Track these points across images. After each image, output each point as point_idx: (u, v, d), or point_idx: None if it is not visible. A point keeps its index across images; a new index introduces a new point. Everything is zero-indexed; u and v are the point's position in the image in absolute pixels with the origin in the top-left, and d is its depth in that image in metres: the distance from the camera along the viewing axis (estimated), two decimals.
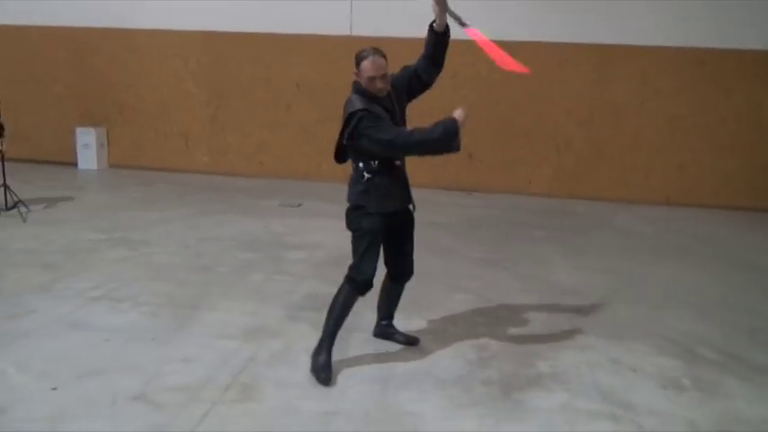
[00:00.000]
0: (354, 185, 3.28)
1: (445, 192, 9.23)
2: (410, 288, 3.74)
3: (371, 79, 3.12)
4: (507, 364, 3.56)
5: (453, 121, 3.09)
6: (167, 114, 10.18)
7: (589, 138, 9.25)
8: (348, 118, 3.11)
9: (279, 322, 4.03)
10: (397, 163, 3.31)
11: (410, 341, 3.72)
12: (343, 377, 3.29)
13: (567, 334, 4.04)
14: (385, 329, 3.76)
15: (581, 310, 4.48)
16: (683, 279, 5.46)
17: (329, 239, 6.16)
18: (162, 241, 5.80)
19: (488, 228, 7.16)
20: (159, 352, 3.51)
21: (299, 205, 7.91)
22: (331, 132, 10.75)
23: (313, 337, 3.71)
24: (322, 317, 3.49)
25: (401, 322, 3.87)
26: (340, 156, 3.34)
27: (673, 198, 9.14)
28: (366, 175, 3.19)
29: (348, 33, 9.59)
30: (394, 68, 3.50)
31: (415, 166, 10.16)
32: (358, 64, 3.17)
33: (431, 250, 5.73)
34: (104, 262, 5.10)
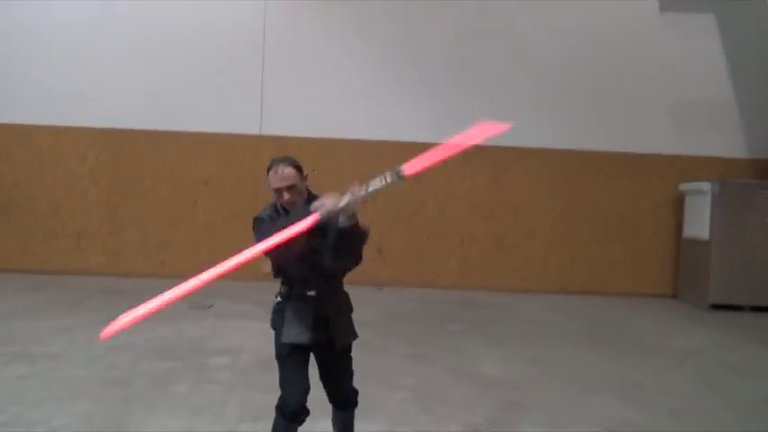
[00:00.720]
0: (272, 311, 3.08)
1: (356, 287, 9.24)
2: None
3: (277, 191, 2.88)
4: None
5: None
6: (59, 214, 9.57)
7: (491, 232, 9.82)
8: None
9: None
10: (310, 293, 2.95)
11: None
12: None
13: (512, 425, 4.10)
14: None
15: (518, 402, 4.58)
16: (597, 364, 5.79)
17: (250, 342, 5.93)
18: (66, 353, 5.29)
19: (408, 322, 7.24)
20: None
21: (210, 306, 7.57)
22: (238, 229, 10.72)
23: None
24: (262, 428, 3.26)
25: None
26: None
27: (567, 287, 9.80)
28: (277, 299, 3.02)
29: (258, 133, 9.72)
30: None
31: None
32: (269, 169, 2.91)
33: (359, 348, 5.66)
34: (2, 382, 4.54)
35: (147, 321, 6.50)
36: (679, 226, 9.66)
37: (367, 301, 8.41)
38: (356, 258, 2.91)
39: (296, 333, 2.93)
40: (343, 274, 3.11)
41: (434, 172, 10.20)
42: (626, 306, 8.93)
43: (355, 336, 3.17)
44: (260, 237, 2.70)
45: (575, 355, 6.09)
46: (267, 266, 10.26)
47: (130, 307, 2.46)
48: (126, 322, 2.46)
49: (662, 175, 9.75)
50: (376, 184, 2.70)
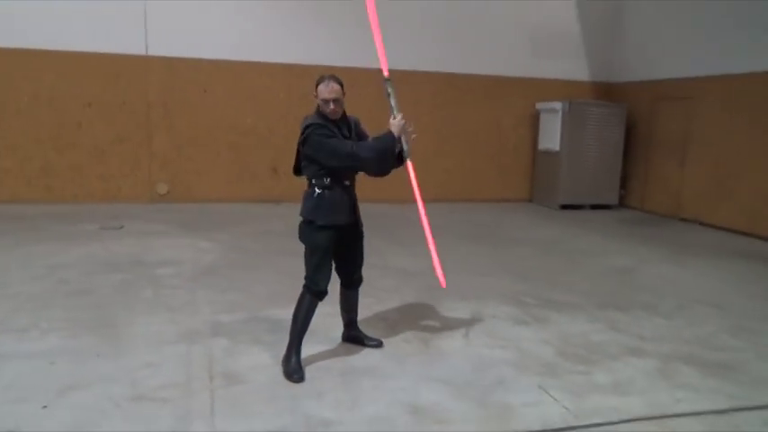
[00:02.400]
0: (306, 201, 3.65)
1: (255, 204, 9.82)
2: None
3: (325, 101, 3.51)
4: (415, 328, 4.52)
5: (390, 133, 3.66)
6: None
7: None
8: (303, 130, 3.54)
9: (205, 326, 4.36)
10: (347, 183, 3.64)
11: (374, 344, 4.09)
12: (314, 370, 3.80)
13: (437, 301, 5.16)
14: (350, 333, 4.15)
15: (435, 286, 5.62)
16: (483, 254, 7.08)
17: (183, 255, 6.40)
18: (8, 275, 5.42)
19: None
20: (117, 364, 3.65)
21: (122, 227, 7.75)
22: (128, 152, 10.73)
23: (247, 333, 4.23)
24: (234, 317, 3.95)
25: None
26: (298, 170, 3.75)
27: (443, 196, 11.08)
28: (317, 190, 3.59)
29: (144, 53, 9.54)
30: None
31: (226, 182, 10.55)
32: (316, 87, 3.59)
33: (286, 255, 6.43)
34: None
35: (63, 243, 6.68)
36: (535, 140, 11.26)
37: (271, 214, 9.06)
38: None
39: (339, 216, 3.61)
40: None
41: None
42: (494, 209, 10.45)
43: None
44: (327, 138, 3.45)
45: (464, 248, 7.33)
46: (163, 189, 10.73)
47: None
48: None
49: (520, 96, 11.17)
50: (392, 101, 3.83)
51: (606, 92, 11.61)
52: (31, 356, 3.71)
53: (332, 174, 3.59)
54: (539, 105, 11.01)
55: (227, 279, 5.56)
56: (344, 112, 3.70)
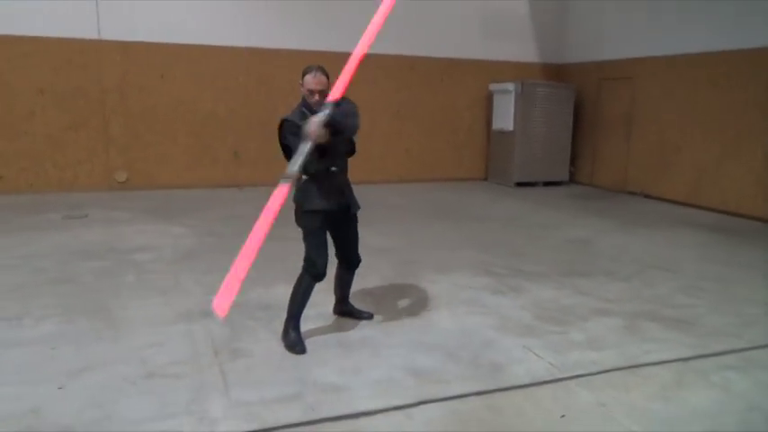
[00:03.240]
0: (296, 186, 3.73)
1: (215, 190, 9.81)
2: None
3: (311, 92, 3.59)
4: (400, 300, 4.76)
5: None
6: None
7: None
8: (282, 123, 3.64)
9: (198, 306, 4.46)
10: (333, 169, 3.69)
11: (366, 316, 4.29)
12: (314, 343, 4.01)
13: (415, 275, 5.42)
14: (343, 308, 4.34)
15: (410, 260, 5.93)
16: (449, 231, 7.39)
17: (157, 241, 6.43)
18: None
19: (289, 214, 8.12)
20: (121, 346, 3.74)
21: (86, 216, 7.66)
22: (84, 140, 10.51)
23: (241, 312, 4.37)
24: (206, 295, 4.15)
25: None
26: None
27: (403, 176, 11.36)
28: (303, 177, 3.70)
29: (97, 37, 9.33)
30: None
31: (186, 168, 10.50)
32: (303, 77, 3.68)
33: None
34: None
35: (31, 233, 6.59)
36: (489, 120, 11.64)
37: (235, 199, 9.10)
38: (353, 128, 3.67)
39: (324, 202, 3.73)
40: (349, 156, 3.85)
41: (281, 79, 10.96)
42: (452, 188, 10.79)
43: (359, 206, 3.97)
44: (288, 133, 3.49)
45: (430, 226, 7.61)
46: (122, 176, 10.69)
47: None
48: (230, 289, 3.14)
49: (474, 78, 11.51)
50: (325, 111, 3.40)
51: (555, 73, 12.09)
52: (30, 343, 3.75)
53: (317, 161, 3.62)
54: (492, 86, 11.37)
55: (207, 262, 5.64)
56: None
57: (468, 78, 11.49)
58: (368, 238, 6.71)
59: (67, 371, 3.37)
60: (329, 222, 3.86)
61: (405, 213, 8.52)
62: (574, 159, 11.62)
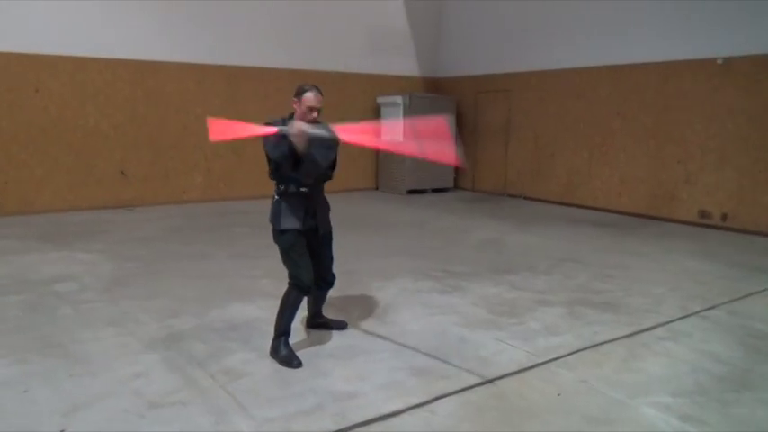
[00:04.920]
0: (271, 207, 3.83)
1: (101, 211, 9.17)
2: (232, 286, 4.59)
3: (310, 109, 3.64)
4: (362, 309, 4.88)
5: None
6: None
7: (230, 146, 10.61)
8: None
9: (162, 332, 4.25)
10: (302, 189, 3.73)
11: (342, 326, 4.38)
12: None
13: (363, 283, 5.57)
14: (317, 320, 4.36)
15: (350, 270, 6.05)
16: (371, 240, 7.62)
17: (71, 270, 5.96)
18: None
19: (194, 232, 7.85)
20: (102, 381, 3.46)
21: None
22: None
23: (211, 333, 4.26)
24: (185, 321, 4.05)
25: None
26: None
27: None
28: (275, 196, 3.79)
29: None
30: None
31: (69, 189, 9.87)
32: (300, 94, 3.70)
33: (187, 258, 6.37)
34: None
35: None
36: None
37: (130, 220, 8.59)
38: (326, 159, 3.74)
39: (293, 221, 3.76)
40: (323, 181, 3.88)
41: (171, 93, 10.61)
42: (347, 199, 10.99)
43: (328, 228, 4.01)
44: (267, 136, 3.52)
45: (349, 235, 7.71)
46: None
47: None
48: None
49: (362, 91, 11.88)
50: (320, 131, 3.58)
51: (436, 86, 12.84)
52: None
53: (287, 181, 3.73)
54: (379, 99, 11.81)
55: (143, 288, 5.34)
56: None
57: (357, 92, 11.83)
58: None
59: (60, 412, 3.10)
60: (304, 240, 3.87)
61: None
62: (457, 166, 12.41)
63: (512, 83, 11.26)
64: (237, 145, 10.65)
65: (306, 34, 11.13)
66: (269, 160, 3.69)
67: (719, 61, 8.31)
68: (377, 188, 12.31)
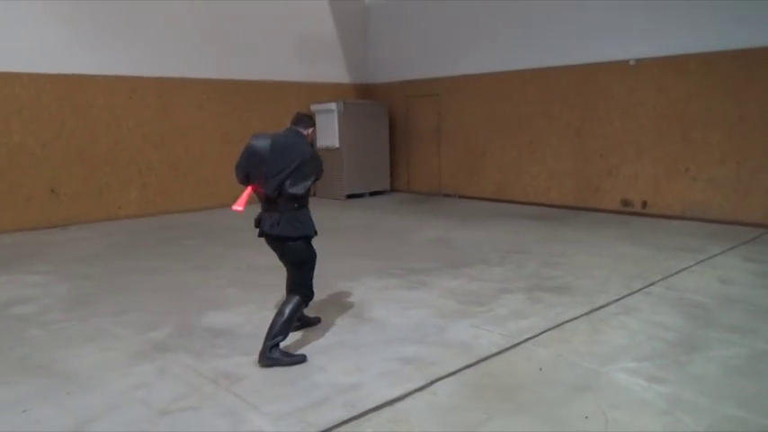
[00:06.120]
0: (295, 219, 4.06)
1: (39, 231, 8.80)
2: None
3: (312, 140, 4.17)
4: (337, 307, 5.04)
5: None
6: None
7: (165, 159, 10.43)
8: (301, 149, 4.01)
9: (147, 345, 4.24)
10: (269, 196, 4.00)
11: (315, 321, 4.62)
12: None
13: (330, 285, 5.72)
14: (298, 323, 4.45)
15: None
16: (326, 243, 7.72)
17: (23, 293, 5.82)
18: None
19: (147, 247, 7.70)
20: (103, 394, 3.45)
21: None
22: None
23: (196, 342, 4.30)
24: (166, 333, 4.18)
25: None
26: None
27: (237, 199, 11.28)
28: (296, 206, 4.04)
29: None
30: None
31: (7, 209, 9.45)
32: (313, 126, 4.29)
33: (148, 273, 6.28)
34: None
35: None
36: (313, 139, 12.14)
37: (66, 239, 8.28)
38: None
39: (264, 225, 4.04)
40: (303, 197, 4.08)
41: (100, 107, 10.37)
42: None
43: (285, 236, 4.08)
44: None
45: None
46: None
47: None
48: None
49: (296, 98, 11.95)
50: None
51: (367, 92, 13.12)
52: None
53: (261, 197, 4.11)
54: (314, 107, 11.94)
55: (108, 305, 5.25)
56: None
57: (290, 99, 11.89)
58: (249, 261, 6.79)
59: (71, 427, 3.08)
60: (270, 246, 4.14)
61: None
62: (392, 169, 12.75)
63: (440, 87, 11.73)
64: (173, 158, 10.49)
65: (237, 44, 11.10)
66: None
67: (632, 63, 9.10)
68: (314, 194, 12.40)
